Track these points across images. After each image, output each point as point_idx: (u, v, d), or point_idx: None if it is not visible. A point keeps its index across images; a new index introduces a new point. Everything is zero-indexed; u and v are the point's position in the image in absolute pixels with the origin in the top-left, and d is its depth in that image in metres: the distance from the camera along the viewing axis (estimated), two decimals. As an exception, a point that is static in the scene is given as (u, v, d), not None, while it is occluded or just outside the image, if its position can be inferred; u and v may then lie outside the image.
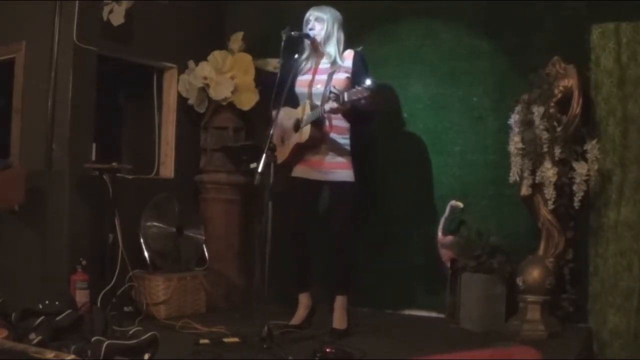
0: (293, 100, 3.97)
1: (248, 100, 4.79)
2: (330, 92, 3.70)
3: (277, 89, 3.81)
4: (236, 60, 4.85)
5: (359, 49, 4.00)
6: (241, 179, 4.85)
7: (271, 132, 3.63)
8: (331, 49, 3.92)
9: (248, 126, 4.94)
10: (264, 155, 3.51)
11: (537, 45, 4.28)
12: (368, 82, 3.52)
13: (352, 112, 3.76)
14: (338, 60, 3.90)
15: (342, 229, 3.89)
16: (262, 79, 4.76)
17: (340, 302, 3.94)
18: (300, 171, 3.97)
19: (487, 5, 4.46)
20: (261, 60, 4.87)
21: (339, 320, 3.91)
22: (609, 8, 4.07)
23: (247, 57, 4.85)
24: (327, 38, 3.92)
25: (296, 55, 3.97)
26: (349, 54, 3.94)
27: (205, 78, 4.77)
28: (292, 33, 3.87)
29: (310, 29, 3.92)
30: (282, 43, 3.83)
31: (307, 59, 4.01)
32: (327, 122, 3.86)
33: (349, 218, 3.91)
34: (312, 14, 3.95)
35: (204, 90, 4.81)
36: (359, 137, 3.94)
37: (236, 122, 4.90)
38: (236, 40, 4.95)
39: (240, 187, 4.89)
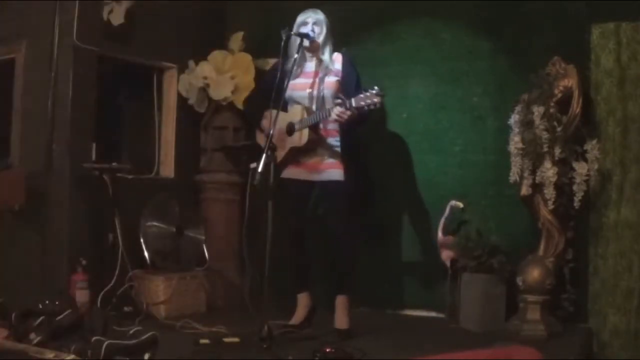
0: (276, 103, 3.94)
1: (248, 100, 4.78)
2: (338, 97, 3.71)
3: (276, 90, 3.79)
4: (236, 60, 4.85)
5: (343, 50, 4.00)
6: (241, 179, 4.85)
7: (271, 132, 3.63)
8: (326, 53, 3.93)
9: (248, 126, 4.93)
10: (264, 155, 3.51)
11: (537, 45, 4.28)
12: (376, 88, 3.56)
13: (356, 118, 3.75)
14: (330, 64, 3.90)
15: (341, 229, 3.89)
16: (262, 79, 4.75)
17: (341, 301, 3.93)
18: (292, 173, 3.96)
19: (487, 5, 4.46)
20: (261, 60, 4.87)
21: (340, 320, 3.90)
22: (609, 8, 4.08)
23: (247, 57, 4.85)
24: (325, 42, 3.93)
25: (296, 55, 3.96)
26: (337, 57, 3.95)
27: (205, 78, 4.78)
28: (293, 33, 3.87)
29: (312, 31, 3.90)
30: (282, 43, 3.83)
31: (299, 61, 3.96)
32: (321, 126, 3.87)
33: (347, 218, 3.91)
34: (309, 17, 3.94)
35: (204, 90, 4.81)
36: (352, 139, 3.94)
37: (236, 122, 4.90)
38: (236, 40, 4.95)
39: (240, 187, 4.89)
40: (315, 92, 3.89)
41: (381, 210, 4.72)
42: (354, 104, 3.61)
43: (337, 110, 3.68)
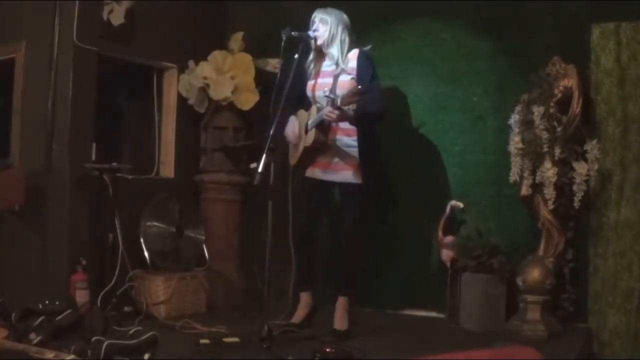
0: (298, 101, 3.99)
1: (248, 100, 4.79)
2: (326, 96, 3.70)
3: (277, 90, 3.80)
4: (236, 60, 4.85)
5: (367, 48, 3.97)
6: (241, 179, 4.86)
7: (271, 132, 3.62)
8: (334, 50, 3.90)
9: (248, 126, 4.94)
10: (264, 155, 3.51)
11: (537, 45, 4.28)
12: (359, 87, 3.56)
13: (355, 115, 3.74)
14: (340, 62, 3.89)
15: (349, 230, 3.90)
16: (262, 79, 4.76)
17: (342, 302, 3.94)
18: (311, 172, 3.99)
19: (487, 5, 4.46)
20: (261, 60, 4.87)
21: (339, 321, 3.90)
22: (609, 8, 4.08)
23: (247, 57, 4.85)
24: (331, 40, 3.90)
25: (296, 55, 3.95)
26: (354, 54, 3.91)
27: (205, 78, 4.78)
28: (292, 33, 3.86)
29: (315, 30, 3.91)
30: (282, 43, 3.83)
31: (314, 61, 4.00)
32: (333, 125, 3.86)
33: (356, 220, 3.92)
34: (316, 16, 3.94)
35: (204, 90, 4.81)
36: (370, 138, 3.92)
37: (236, 122, 4.90)
38: (236, 40, 4.95)
39: (240, 187, 4.90)
40: (327, 92, 3.88)
41: (381, 210, 4.72)
42: (339, 103, 3.60)
43: (327, 109, 3.68)
